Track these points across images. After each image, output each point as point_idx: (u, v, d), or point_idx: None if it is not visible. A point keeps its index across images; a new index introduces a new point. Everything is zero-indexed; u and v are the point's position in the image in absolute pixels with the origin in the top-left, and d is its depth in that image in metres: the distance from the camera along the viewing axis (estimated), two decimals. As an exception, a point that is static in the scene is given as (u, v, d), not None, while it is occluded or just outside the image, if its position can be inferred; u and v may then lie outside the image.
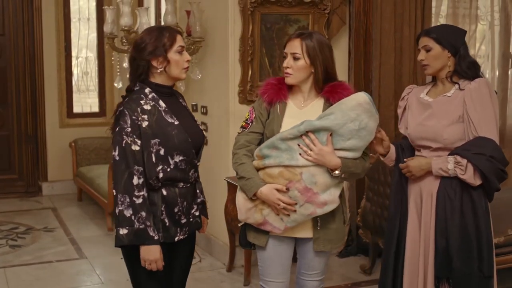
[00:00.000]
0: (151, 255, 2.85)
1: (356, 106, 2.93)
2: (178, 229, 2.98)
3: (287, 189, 2.96)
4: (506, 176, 3.18)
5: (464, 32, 3.33)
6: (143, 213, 2.81)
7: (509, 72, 6.18)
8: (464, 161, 3.07)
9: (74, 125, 7.60)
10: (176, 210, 2.95)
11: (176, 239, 2.98)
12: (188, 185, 3.01)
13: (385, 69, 5.16)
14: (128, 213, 2.81)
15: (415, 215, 3.29)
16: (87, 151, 7.41)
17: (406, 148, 3.39)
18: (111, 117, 2.99)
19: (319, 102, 3.10)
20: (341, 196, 3.10)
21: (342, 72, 5.22)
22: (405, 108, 3.42)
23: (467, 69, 3.19)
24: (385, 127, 5.09)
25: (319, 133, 2.94)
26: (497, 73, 6.12)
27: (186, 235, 3.04)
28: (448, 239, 3.16)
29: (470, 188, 3.12)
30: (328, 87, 3.07)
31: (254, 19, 4.81)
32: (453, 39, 3.21)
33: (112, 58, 6.40)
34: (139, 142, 2.84)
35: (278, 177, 2.98)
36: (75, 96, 7.73)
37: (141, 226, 2.81)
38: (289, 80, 3.08)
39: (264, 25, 4.86)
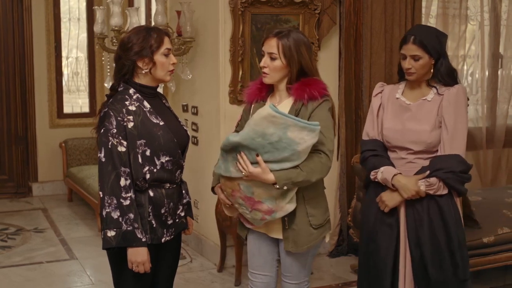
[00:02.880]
0: (139, 257, 2.84)
1: (261, 120, 2.83)
2: (165, 230, 2.97)
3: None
4: (470, 180, 3.25)
5: (446, 36, 3.33)
6: (131, 215, 2.80)
7: (499, 72, 6.21)
8: (436, 182, 3.12)
9: (64, 126, 7.58)
10: (162, 211, 2.94)
11: (163, 240, 2.98)
12: (174, 185, 3.01)
13: (375, 69, 5.17)
14: (115, 215, 2.79)
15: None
16: (78, 152, 7.39)
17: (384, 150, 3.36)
18: (95, 117, 2.97)
19: (289, 101, 3.05)
20: (304, 199, 3.04)
21: (332, 72, 5.24)
22: (379, 107, 3.38)
23: (446, 76, 3.20)
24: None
25: (249, 151, 2.88)
26: (487, 73, 6.15)
27: (172, 236, 3.04)
28: (421, 249, 3.19)
29: (435, 196, 3.16)
30: (296, 85, 3.01)
31: (244, 19, 4.81)
32: (438, 46, 3.18)
33: (103, 58, 6.39)
34: (125, 143, 2.82)
35: (224, 184, 3.02)
36: (65, 97, 7.71)
37: (128, 228, 2.79)
38: (266, 80, 3.06)
39: (255, 25, 4.86)
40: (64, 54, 7.65)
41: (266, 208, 2.95)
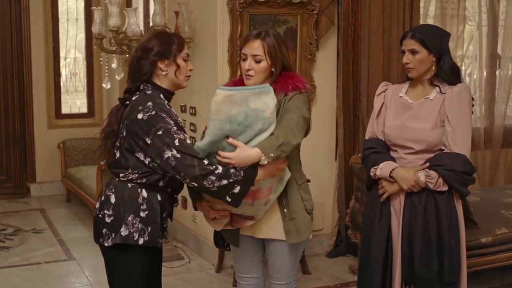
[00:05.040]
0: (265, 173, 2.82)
1: (219, 107, 2.76)
2: (161, 234, 2.97)
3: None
4: (473, 183, 3.25)
5: (449, 35, 3.33)
6: (231, 170, 2.72)
7: (497, 73, 6.21)
8: (436, 176, 3.12)
9: (62, 126, 7.58)
10: (164, 215, 2.95)
11: (161, 243, 2.99)
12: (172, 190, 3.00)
13: (373, 70, 5.17)
14: (225, 181, 2.70)
15: (395, 217, 3.30)
16: (76, 152, 7.39)
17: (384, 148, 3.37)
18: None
19: None
20: (297, 183, 3.05)
21: (330, 73, 5.24)
22: (382, 106, 3.39)
23: (450, 74, 3.20)
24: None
25: (222, 145, 2.79)
26: (484, 74, 6.15)
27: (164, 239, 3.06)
28: (412, 244, 3.19)
29: (435, 193, 3.16)
30: (278, 79, 3.02)
31: (242, 19, 4.81)
32: (439, 43, 3.19)
33: (101, 59, 6.39)
34: (187, 136, 2.80)
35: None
36: (63, 97, 7.71)
37: (240, 175, 2.72)
38: (250, 82, 3.02)
39: (253, 25, 4.85)
40: (62, 54, 7.65)
41: (266, 190, 2.93)
